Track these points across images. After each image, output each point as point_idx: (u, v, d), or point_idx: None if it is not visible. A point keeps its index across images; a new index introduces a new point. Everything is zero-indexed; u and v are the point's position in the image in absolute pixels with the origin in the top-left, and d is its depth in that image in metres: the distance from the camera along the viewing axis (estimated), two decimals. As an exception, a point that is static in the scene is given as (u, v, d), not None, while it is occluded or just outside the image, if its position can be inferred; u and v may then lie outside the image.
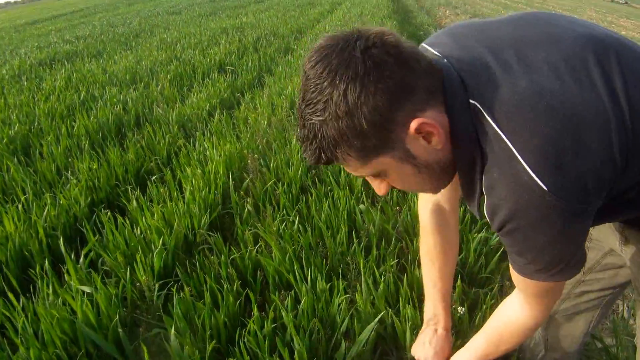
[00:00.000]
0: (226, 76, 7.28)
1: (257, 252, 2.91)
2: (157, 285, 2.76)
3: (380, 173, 1.14)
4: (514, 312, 1.41)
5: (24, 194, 3.79)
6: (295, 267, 2.64)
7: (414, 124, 1.02)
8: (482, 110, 1.05)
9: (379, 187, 1.20)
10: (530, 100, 1.02)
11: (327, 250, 2.91)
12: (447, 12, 19.51)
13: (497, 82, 1.06)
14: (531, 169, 0.99)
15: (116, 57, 9.75)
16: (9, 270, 3.00)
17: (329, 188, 3.54)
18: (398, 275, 2.62)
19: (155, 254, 2.89)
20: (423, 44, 1.28)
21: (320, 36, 9.31)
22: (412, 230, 3.02)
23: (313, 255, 2.81)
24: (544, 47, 1.12)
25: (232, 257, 2.88)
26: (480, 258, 2.72)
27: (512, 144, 1.01)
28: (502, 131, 1.02)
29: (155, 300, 2.72)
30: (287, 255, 2.75)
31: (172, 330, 2.28)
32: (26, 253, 3.13)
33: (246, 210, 3.41)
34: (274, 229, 3.05)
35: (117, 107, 5.83)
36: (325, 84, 0.99)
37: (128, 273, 2.79)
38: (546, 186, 0.98)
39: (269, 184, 3.66)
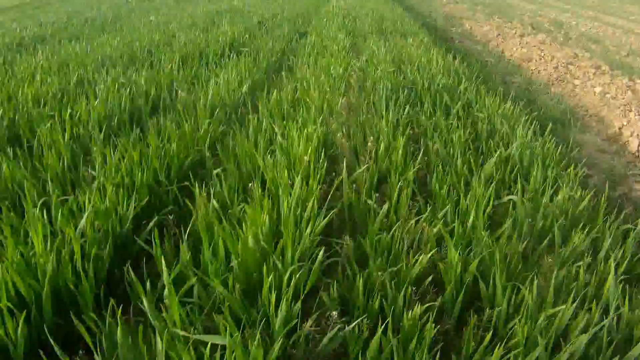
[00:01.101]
0: (244, 57, 6.46)
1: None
2: None
3: None
4: None
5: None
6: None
7: None
8: None
9: None
10: None
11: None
12: (445, 0, 18.92)
13: None
14: None
15: (98, 40, 8.59)
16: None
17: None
18: None
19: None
20: None
21: (328, 19, 8.83)
22: None
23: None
24: None
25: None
26: None
27: None
28: None
29: None
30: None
31: None
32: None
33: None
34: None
35: (126, 89, 4.67)
36: None
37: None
38: None
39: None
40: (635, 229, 2.87)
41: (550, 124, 4.67)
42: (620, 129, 5.85)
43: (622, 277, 2.43)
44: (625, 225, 2.94)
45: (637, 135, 5.60)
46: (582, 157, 4.75)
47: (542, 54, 9.13)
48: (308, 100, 4.31)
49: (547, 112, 5.60)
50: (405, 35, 8.05)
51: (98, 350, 1.82)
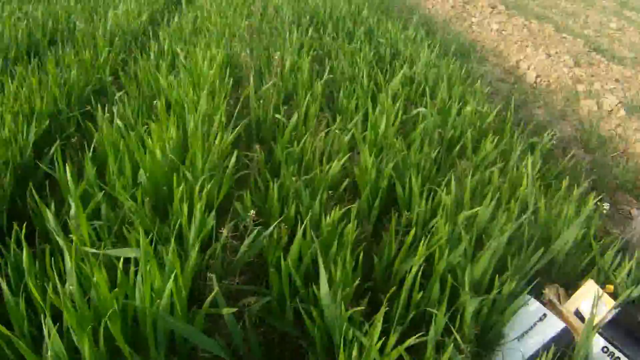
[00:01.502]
0: None
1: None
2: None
3: None
4: None
5: None
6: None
7: None
8: None
9: None
10: None
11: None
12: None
13: None
14: None
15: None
16: None
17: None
18: None
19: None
20: None
21: None
22: None
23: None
24: None
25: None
26: None
27: None
28: None
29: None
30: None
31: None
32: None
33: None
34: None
35: (23, 22, 4.38)
36: None
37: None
38: None
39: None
40: (541, 142, 2.93)
41: (451, 54, 4.73)
42: (517, 62, 6.02)
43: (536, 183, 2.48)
44: (532, 139, 3.00)
45: (534, 68, 5.77)
46: (484, 83, 4.88)
47: (440, -7, 9.22)
48: (210, 26, 4.18)
49: (446, 45, 5.66)
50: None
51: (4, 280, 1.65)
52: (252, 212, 1.98)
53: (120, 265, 1.59)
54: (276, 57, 3.13)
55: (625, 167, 3.72)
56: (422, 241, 1.80)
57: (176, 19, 4.39)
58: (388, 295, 1.64)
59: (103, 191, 2.01)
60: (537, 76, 5.64)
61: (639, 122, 4.60)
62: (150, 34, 4.21)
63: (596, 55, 6.95)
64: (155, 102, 2.72)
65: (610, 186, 3.52)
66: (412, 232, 1.88)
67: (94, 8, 5.34)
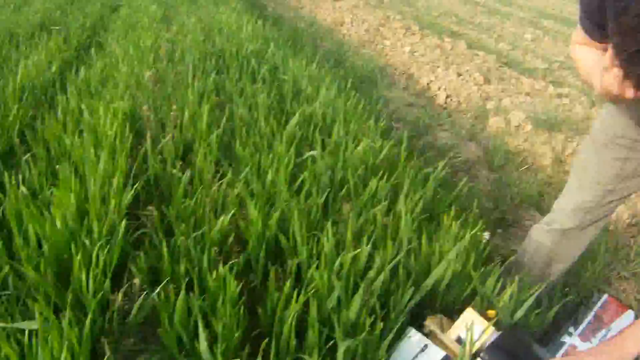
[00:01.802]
0: (55, 35, 6.12)
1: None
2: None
3: None
4: None
5: None
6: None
7: None
8: None
9: None
10: None
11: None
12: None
13: None
14: None
15: None
16: None
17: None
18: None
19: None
20: None
21: None
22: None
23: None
24: None
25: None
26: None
27: None
28: None
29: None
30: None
31: None
32: None
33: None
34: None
35: None
36: None
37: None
38: None
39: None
40: (434, 171, 3.08)
41: (359, 83, 4.89)
42: (428, 84, 6.25)
43: (422, 216, 2.61)
44: (425, 169, 3.15)
45: (445, 88, 5.99)
46: (391, 111, 5.04)
47: (354, 17, 9.45)
48: (116, 75, 4.22)
49: (356, 72, 5.83)
50: (217, 4, 8.05)
51: None
52: (137, 281, 2.08)
53: (26, 337, 1.67)
54: (174, 108, 3.23)
55: (530, 182, 3.91)
56: (297, 290, 1.93)
57: (84, 69, 4.41)
58: (263, 345, 1.76)
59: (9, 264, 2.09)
60: (448, 96, 5.86)
61: (545, 135, 4.83)
62: (59, 86, 4.24)
63: (508, 69, 7.24)
64: (58, 167, 2.77)
65: (514, 203, 3.71)
66: (288, 282, 2.00)
67: (5, 59, 5.34)
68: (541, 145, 4.65)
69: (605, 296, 2.29)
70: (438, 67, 6.72)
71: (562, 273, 2.42)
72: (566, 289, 2.55)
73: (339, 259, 2.12)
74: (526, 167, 4.36)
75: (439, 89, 6.06)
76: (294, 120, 3.24)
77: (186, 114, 3.27)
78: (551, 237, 2.28)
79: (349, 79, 5.00)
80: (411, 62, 6.95)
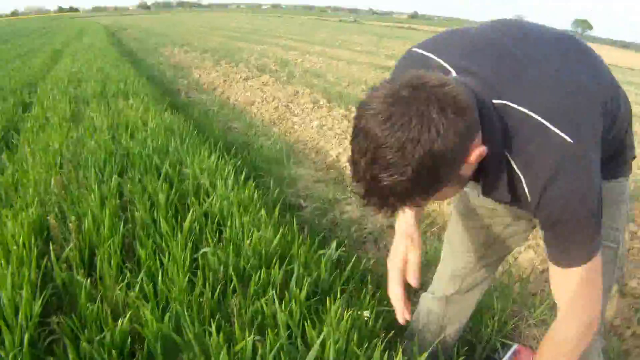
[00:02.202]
0: None
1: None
2: None
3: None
4: (563, 332, 1.60)
5: None
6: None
7: (474, 156, 1.30)
8: (508, 104, 1.37)
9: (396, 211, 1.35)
10: (546, 82, 1.41)
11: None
12: (175, 50, 19.28)
13: (513, 75, 1.41)
14: (561, 131, 1.33)
15: None
16: None
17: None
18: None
19: None
20: (419, 50, 1.59)
21: (54, 85, 8.66)
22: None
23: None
24: (535, 43, 1.54)
25: None
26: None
27: (542, 118, 1.34)
28: (531, 111, 1.35)
29: None
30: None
31: None
32: None
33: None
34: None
35: None
36: (399, 143, 1.16)
37: None
38: (573, 139, 1.33)
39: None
40: (327, 252, 3.27)
41: (266, 165, 5.11)
42: (337, 156, 6.50)
43: (313, 298, 2.81)
44: (321, 250, 3.34)
45: (353, 159, 6.24)
46: (299, 190, 5.25)
47: (265, 95, 9.80)
48: (25, 181, 4.32)
49: (262, 154, 6.05)
50: (127, 96, 8.17)
51: None
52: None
53: None
54: (77, 214, 3.39)
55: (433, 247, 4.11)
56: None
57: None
58: None
59: None
60: None
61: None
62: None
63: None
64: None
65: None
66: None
67: None
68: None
69: (515, 346, 2.39)
70: (345, 138, 6.97)
71: (457, 334, 2.53)
72: (466, 348, 2.67)
73: (224, 351, 2.30)
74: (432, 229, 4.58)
75: (347, 160, 6.28)
76: (189, 218, 3.43)
77: (89, 219, 3.41)
78: (437, 303, 2.40)
79: (253, 165, 5.23)
80: (319, 137, 7.22)
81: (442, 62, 1.48)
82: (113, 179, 4.16)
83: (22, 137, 6.13)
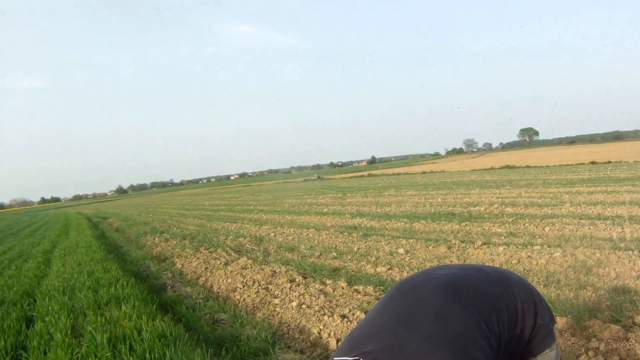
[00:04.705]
0: None
1: None
2: None
3: None
4: None
5: None
6: None
7: None
8: None
9: None
10: (427, 348, 1.92)
11: None
12: (156, 239, 19.67)
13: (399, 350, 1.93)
14: None
15: None
16: None
17: None
18: None
19: None
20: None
21: (50, 297, 8.83)
22: None
23: None
24: (417, 310, 2.10)
25: None
26: None
27: None
28: None
29: None
30: None
31: None
32: None
33: None
34: None
35: None
36: None
37: None
38: None
39: None
40: None
41: (253, 357, 5.36)
42: (319, 332, 6.74)
43: None
44: None
45: (334, 334, 6.51)
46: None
47: (245, 280, 10.15)
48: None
49: (250, 345, 6.30)
50: (119, 301, 8.39)
51: None
52: None
53: None
54: None
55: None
56: None
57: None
58: None
59: None
60: (338, 341, 6.32)
61: None
62: None
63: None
64: None
65: None
66: None
67: None
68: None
69: None
70: (324, 314, 7.24)
71: None
72: None
73: None
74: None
75: (329, 335, 6.54)
76: None
77: None
78: None
79: (243, 355, 5.47)
80: (300, 316, 7.50)
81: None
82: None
83: (32, 358, 6.35)
